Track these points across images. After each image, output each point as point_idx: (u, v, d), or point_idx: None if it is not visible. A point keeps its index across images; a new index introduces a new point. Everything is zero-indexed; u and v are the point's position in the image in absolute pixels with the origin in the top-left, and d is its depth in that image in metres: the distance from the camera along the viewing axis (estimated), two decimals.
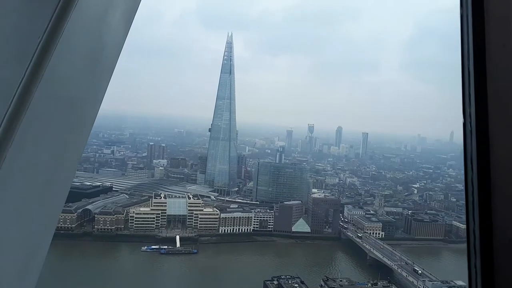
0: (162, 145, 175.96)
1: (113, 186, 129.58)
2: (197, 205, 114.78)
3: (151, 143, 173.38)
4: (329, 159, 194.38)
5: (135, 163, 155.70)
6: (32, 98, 1.43)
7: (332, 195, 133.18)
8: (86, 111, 1.92)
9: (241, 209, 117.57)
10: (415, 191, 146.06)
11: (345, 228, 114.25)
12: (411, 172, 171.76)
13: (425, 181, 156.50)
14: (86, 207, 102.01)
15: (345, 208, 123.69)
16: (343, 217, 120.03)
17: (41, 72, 1.44)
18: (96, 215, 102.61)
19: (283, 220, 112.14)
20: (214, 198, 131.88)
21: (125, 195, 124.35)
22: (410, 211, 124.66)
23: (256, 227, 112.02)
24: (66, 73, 1.61)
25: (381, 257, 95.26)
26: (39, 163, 1.68)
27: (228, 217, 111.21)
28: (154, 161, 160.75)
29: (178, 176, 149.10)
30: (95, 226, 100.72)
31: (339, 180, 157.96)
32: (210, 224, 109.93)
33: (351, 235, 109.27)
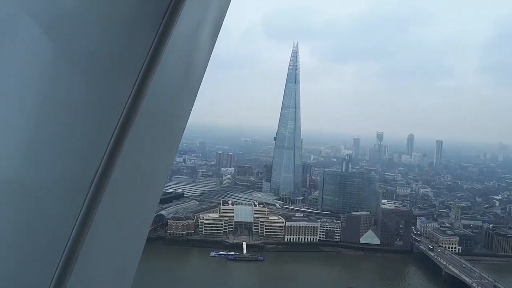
0: (230, 153, 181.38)
1: (185, 192, 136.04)
2: (263, 212, 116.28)
3: (219, 152, 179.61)
4: (400, 168, 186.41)
5: (205, 170, 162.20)
6: (137, 113, 1.56)
7: (404, 206, 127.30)
8: (177, 125, 2.07)
9: (307, 218, 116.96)
10: (497, 203, 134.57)
11: (418, 241, 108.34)
12: (491, 183, 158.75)
13: (508, 193, 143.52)
14: (160, 212, 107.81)
15: (417, 220, 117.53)
16: (415, 229, 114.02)
17: (144, 91, 1.57)
18: (168, 220, 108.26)
19: (351, 231, 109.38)
20: (279, 206, 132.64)
21: (195, 201, 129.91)
22: (491, 225, 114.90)
23: (322, 237, 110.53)
24: (163, 91, 1.76)
25: (458, 273, 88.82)
26: (139, 172, 1.84)
27: (294, 226, 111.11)
28: (222, 169, 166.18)
29: (245, 183, 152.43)
30: (168, 231, 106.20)
31: (411, 191, 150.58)
32: (275, 232, 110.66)
33: (424, 249, 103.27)
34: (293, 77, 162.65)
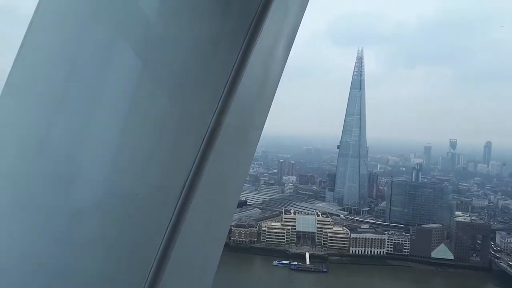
0: (292, 162, 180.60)
1: (247, 200, 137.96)
2: (326, 223, 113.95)
3: (281, 160, 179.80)
4: (475, 178, 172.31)
5: (267, 179, 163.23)
6: (221, 127, 1.68)
7: (481, 219, 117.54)
8: (252, 136, 2.18)
9: (373, 230, 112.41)
10: None
11: (498, 258, 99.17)
12: None
13: None
14: None
15: (497, 235, 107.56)
16: (494, 244, 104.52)
17: (228, 105, 1.69)
18: (232, 227, 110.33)
19: (421, 244, 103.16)
20: (344, 217, 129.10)
21: (257, 209, 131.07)
22: None
23: (390, 250, 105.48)
24: (242, 105, 1.85)
25: None
26: (221, 182, 1.97)
27: (359, 238, 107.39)
28: (284, 177, 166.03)
29: (307, 192, 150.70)
30: (231, 238, 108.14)
31: (488, 203, 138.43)
32: (339, 243, 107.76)
33: (505, 266, 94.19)
34: (357, 83, 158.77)
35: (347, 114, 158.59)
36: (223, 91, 1.68)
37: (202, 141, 1.68)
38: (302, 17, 2.23)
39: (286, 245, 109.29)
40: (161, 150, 1.75)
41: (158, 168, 1.76)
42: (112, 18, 1.83)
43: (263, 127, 2.22)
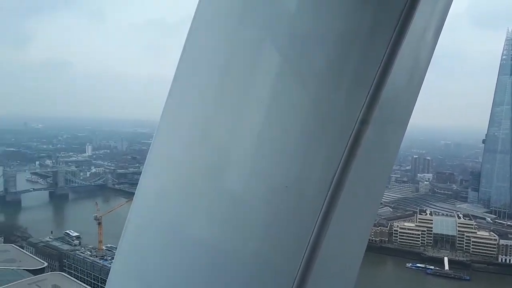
0: (427, 158, 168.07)
1: None
2: (469, 226, 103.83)
3: (415, 156, 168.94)
4: None
5: (399, 176, 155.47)
6: (369, 122, 1.69)
7: None
8: (398, 130, 2.13)
9: None
10: None
11: None
12: None
13: None
14: None
15: None
16: None
17: (377, 100, 1.68)
18: None
19: None
20: (491, 221, 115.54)
21: (388, 208, 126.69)
22: None
23: None
24: (390, 98, 1.82)
25: None
26: (368, 177, 1.98)
27: (510, 245, 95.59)
28: (418, 175, 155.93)
29: (445, 192, 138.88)
30: None
31: None
32: (485, 250, 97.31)
33: None
34: (507, 68, 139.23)
35: (495, 103, 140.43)
36: (371, 85, 1.67)
37: (350, 136, 1.69)
38: (452, 2, 2.13)
39: (421, 247, 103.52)
40: (309, 144, 1.80)
41: (306, 162, 1.80)
42: (258, 19, 1.93)
43: (409, 120, 2.17)
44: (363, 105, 1.68)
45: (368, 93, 1.67)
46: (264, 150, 1.89)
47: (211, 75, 2.09)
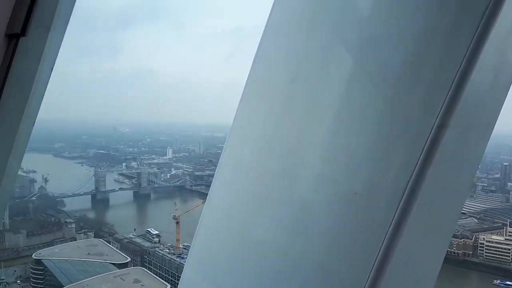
0: None
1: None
2: None
3: (505, 164, 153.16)
4: None
5: (486, 185, 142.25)
6: (448, 126, 1.59)
7: None
8: (482, 135, 1.98)
9: None
10: None
11: None
12: None
13: None
14: None
15: None
16: None
17: (456, 103, 1.58)
18: None
19: None
20: None
21: (473, 218, 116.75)
22: None
23: None
24: (472, 101, 1.71)
25: None
26: (446, 184, 1.87)
27: None
28: (509, 184, 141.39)
29: None
30: None
31: None
32: None
33: None
34: None
35: None
36: (450, 88, 1.57)
37: (426, 141, 1.60)
38: None
39: (511, 263, 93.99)
40: (380, 150, 1.73)
41: (377, 168, 1.74)
42: (329, 23, 1.93)
43: (494, 124, 2.02)
44: (441, 108, 1.60)
45: (447, 95, 1.59)
46: (334, 156, 1.88)
47: (281, 81, 2.14)
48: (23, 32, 3.12)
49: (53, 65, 3.51)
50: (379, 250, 1.63)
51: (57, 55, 3.49)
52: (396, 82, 1.73)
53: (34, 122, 3.66)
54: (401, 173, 1.65)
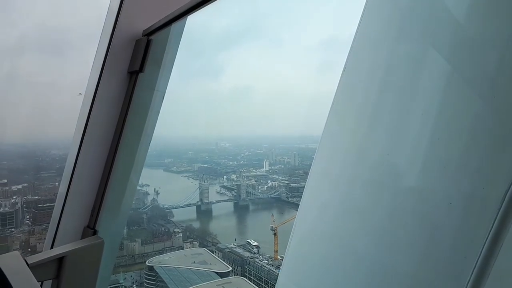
0: None
1: None
2: None
3: None
4: None
5: None
6: None
7: None
8: None
9: None
10: None
11: None
12: None
13: None
14: None
15: None
16: None
17: None
18: None
19: None
20: None
21: None
22: None
23: None
24: None
25: None
26: None
27: None
28: None
29: None
30: None
31: None
32: None
33: None
34: None
35: None
36: None
37: None
38: None
39: None
40: (476, 157, 1.66)
41: (473, 177, 1.66)
42: (419, 29, 1.90)
43: None
44: None
45: None
46: (427, 165, 1.84)
47: (370, 90, 2.15)
48: (141, 69, 3.80)
49: (164, 94, 4.18)
50: (476, 263, 1.56)
51: (167, 85, 4.15)
52: (492, 87, 1.66)
53: (150, 142, 4.36)
54: (498, 182, 1.56)
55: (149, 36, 3.73)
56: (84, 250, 3.45)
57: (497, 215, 1.54)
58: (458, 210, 1.68)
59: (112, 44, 3.73)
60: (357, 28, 2.18)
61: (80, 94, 3.80)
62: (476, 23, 1.73)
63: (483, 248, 1.56)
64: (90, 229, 3.89)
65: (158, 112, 4.22)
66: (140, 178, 4.56)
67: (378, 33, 2.14)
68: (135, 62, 3.81)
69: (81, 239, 3.88)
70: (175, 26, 3.64)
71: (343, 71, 2.23)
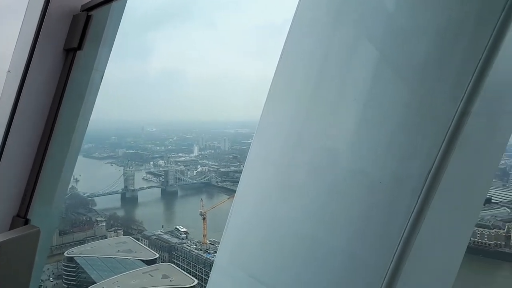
0: None
1: (492, 197, 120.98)
2: None
3: None
4: None
5: None
6: (469, 115, 1.62)
7: None
8: (506, 122, 1.98)
9: None
10: None
11: None
12: None
13: None
14: None
15: None
16: None
17: (477, 92, 1.61)
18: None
19: None
20: None
21: (506, 208, 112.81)
22: None
23: None
24: (495, 89, 1.71)
25: None
26: (467, 175, 1.88)
27: None
28: None
29: None
30: (471, 239, 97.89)
31: None
32: None
33: None
34: None
35: None
36: (472, 76, 1.59)
37: (448, 130, 1.64)
38: None
39: None
40: (405, 140, 1.78)
41: (400, 158, 1.79)
42: (354, 16, 1.99)
43: None
44: (463, 96, 1.63)
45: (468, 84, 1.62)
46: (360, 147, 1.96)
47: (307, 76, 2.20)
48: (80, 46, 3.56)
49: (103, 73, 3.96)
50: (401, 237, 1.69)
51: (106, 64, 3.93)
52: (420, 74, 1.77)
53: (87, 125, 4.12)
54: (423, 162, 1.69)
55: (88, 11, 3.51)
56: (17, 240, 3.21)
57: (420, 192, 1.68)
58: (387, 188, 1.82)
59: (46, 17, 3.45)
60: (294, 14, 2.23)
61: (9, 71, 3.45)
62: (407, 13, 1.83)
63: (408, 222, 1.69)
64: (21, 218, 3.63)
65: (97, 93, 4.01)
66: (76, 163, 4.32)
67: (315, 20, 2.20)
68: (73, 39, 3.56)
69: (10, 229, 3.61)
70: (116, 2, 3.47)
71: (281, 56, 2.28)
